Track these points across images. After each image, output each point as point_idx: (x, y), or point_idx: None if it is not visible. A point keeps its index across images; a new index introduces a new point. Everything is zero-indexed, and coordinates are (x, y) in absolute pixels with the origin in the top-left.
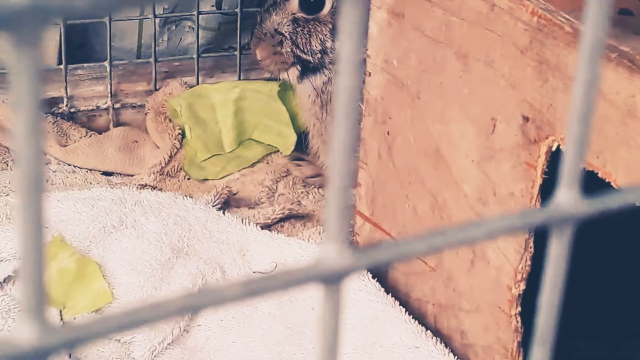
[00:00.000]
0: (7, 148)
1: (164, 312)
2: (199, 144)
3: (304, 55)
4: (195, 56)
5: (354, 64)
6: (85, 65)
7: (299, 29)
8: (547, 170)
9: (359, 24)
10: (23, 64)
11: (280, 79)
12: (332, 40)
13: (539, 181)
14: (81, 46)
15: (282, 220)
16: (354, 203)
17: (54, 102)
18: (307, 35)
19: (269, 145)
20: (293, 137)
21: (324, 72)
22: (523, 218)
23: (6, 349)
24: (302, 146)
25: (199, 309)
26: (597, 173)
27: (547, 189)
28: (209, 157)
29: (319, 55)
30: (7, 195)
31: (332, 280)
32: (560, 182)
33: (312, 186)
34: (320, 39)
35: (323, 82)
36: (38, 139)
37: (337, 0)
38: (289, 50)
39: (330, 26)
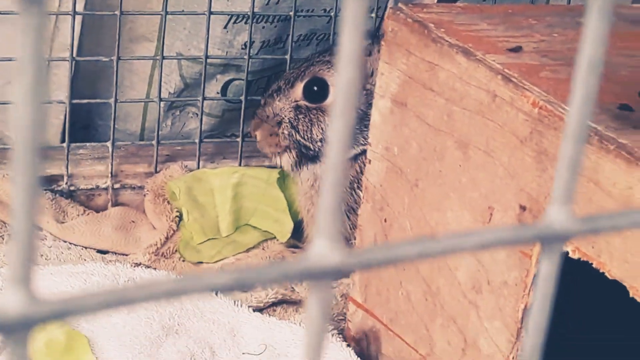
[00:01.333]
0: (3, 222)
1: (153, 292)
2: (196, 227)
3: (303, 141)
4: (197, 141)
5: (355, 56)
6: (87, 144)
7: (300, 116)
8: None
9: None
10: (26, 22)
11: (280, 166)
12: None
13: (533, 270)
14: (85, 127)
15: (275, 304)
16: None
17: (54, 179)
18: (309, 124)
19: (266, 231)
20: (290, 225)
21: (323, 160)
22: (515, 232)
23: None
24: (298, 234)
25: (188, 294)
26: (591, 263)
27: None
28: (205, 241)
29: (319, 144)
30: (1, 267)
31: (320, 276)
32: (552, 199)
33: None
34: (321, 128)
35: (319, 173)
36: (34, 214)
37: None
38: (287, 133)
39: None
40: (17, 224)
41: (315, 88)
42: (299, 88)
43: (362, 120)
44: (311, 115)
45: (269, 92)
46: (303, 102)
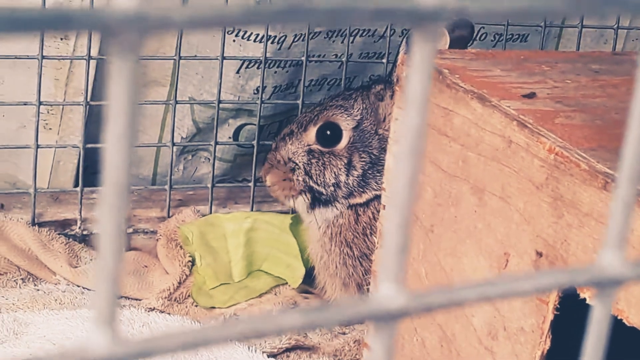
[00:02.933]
0: (17, 267)
1: (232, 333)
2: (209, 272)
3: (316, 187)
4: (209, 185)
5: (423, 100)
6: (100, 188)
7: (313, 161)
8: (558, 306)
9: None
10: (120, 68)
11: (292, 211)
12: (347, 175)
13: (550, 317)
14: (98, 171)
15: (288, 350)
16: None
17: (67, 223)
18: (322, 168)
19: (278, 277)
20: (302, 270)
21: (335, 206)
22: (569, 275)
23: (78, 357)
24: (309, 280)
25: (259, 335)
26: None
27: (558, 326)
28: (218, 286)
29: (332, 189)
30: (16, 312)
31: (385, 319)
32: (605, 244)
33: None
34: (334, 173)
35: (334, 215)
36: (119, 256)
37: (353, 136)
38: (301, 179)
39: (346, 160)
40: (103, 265)
41: (329, 132)
42: (312, 132)
43: (375, 165)
44: (324, 159)
45: (280, 135)
46: (316, 146)
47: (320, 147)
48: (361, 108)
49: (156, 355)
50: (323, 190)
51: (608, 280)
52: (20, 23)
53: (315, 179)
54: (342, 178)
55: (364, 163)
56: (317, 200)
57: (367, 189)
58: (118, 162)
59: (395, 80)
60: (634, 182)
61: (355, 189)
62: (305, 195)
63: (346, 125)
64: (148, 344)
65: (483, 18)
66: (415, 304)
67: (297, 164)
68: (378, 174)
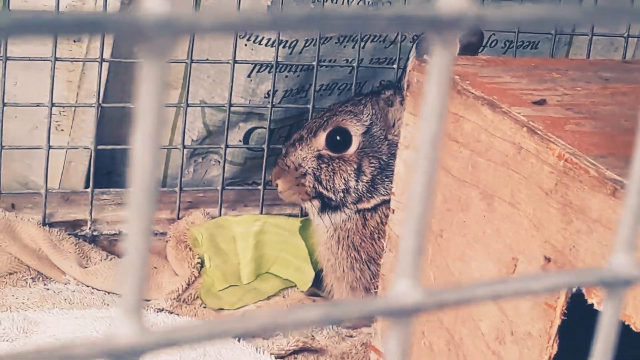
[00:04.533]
0: (28, 266)
1: (254, 325)
2: (218, 273)
3: (325, 192)
4: (219, 188)
5: (441, 109)
6: (111, 190)
7: (323, 166)
8: (566, 311)
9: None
10: (151, 72)
11: (301, 215)
12: (356, 180)
13: (557, 322)
14: (108, 172)
15: (296, 352)
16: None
17: (77, 224)
18: (331, 173)
19: (287, 279)
20: (311, 274)
21: (344, 211)
22: (579, 276)
23: (105, 346)
24: (318, 283)
25: (282, 328)
26: None
27: (565, 330)
28: (226, 288)
29: (342, 194)
30: (26, 310)
31: (401, 315)
32: (616, 246)
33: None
34: (344, 178)
35: (342, 220)
36: (146, 250)
37: (363, 141)
38: (311, 185)
39: (355, 166)
40: (131, 258)
41: (338, 138)
42: (322, 137)
43: (384, 170)
44: (334, 165)
45: (290, 141)
46: (326, 152)
47: (330, 153)
48: (371, 114)
49: (181, 345)
50: (332, 196)
51: (617, 281)
52: (54, 27)
53: (325, 185)
54: (352, 184)
55: (373, 168)
56: (327, 206)
57: (375, 194)
58: (146, 163)
59: (405, 86)
60: None
61: (364, 194)
62: (315, 201)
63: (356, 130)
64: (173, 335)
65: (502, 26)
66: (431, 300)
67: (306, 170)
68: (386, 179)
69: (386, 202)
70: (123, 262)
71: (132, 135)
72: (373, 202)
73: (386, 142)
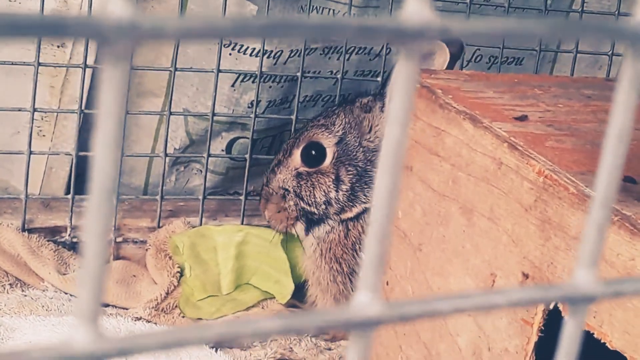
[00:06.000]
0: (6, 272)
1: (211, 334)
2: (197, 283)
3: (308, 208)
4: (201, 197)
5: (405, 117)
6: None
7: (302, 183)
8: (542, 328)
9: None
10: (112, 76)
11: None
12: (336, 190)
13: (534, 338)
14: (89, 180)
15: None
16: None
17: (57, 230)
18: (311, 188)
19: (266, 291)
20: (290, 287)
21: (327, 223)
22: (542, 292)
23: (60, 352)
24: (298, 294)
25: (237, 337)
26: (593, 333)
27: (542, 347)
28: (205, 298)
29: (324, 207)
30: (3, 317)
31: (361, 327)
32: (578, 262)
33: (305, 334)
34: (324, 190)
35: (325, 232)
36: (103, 257)
37: (337, 151)
38: (292, 204)
39: (333, 176)
40: (87, 265)
41: (313, 152)
42: (297, 155)
43: (362, 177)
44: (312, 180)
45: (270, 168)
46: (303, 168)
47: (306, 169)
48: (343, 123)
49: (137, 352)
50: (315, 210)
51: (580, 297)
52: (18, 28)
53: (307, 201)
54: (332, 194)
55: (351, 176)
56: (311, 222)
57: (356, 202)
58: (106, 168)
59: (389, 93)
60: (608, 202)
61: (346, 203)
62: (302, 220)
63: (328, 142)
64: (129, 342)
65: (466, 38)
66: (391, 313)
67: (287, 190)
68: (366, 186)
69: (368, 210)
70: (80, 268)
71: (93, 140)
72: (355, 210)
73: (361, 148)
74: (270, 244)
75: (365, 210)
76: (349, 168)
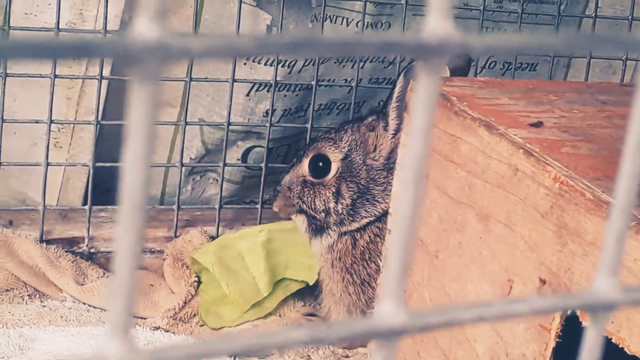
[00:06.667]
0: (24, 283)
1: (240, 345)
2: (237, 296)
3: (310, 211)
4: (217, 207)
5: (427, 131)
6: (109, 207)
7: (306, 190)
8: (560, 333)
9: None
10: (140, 95)
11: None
12: (335, 202)
13: (552, 344)
14: (107, 190)
15: None
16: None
17: (74, 241)
18: (313, 196)
19: (302, 280)
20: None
21: (329, 234)
22: (563, 300)
23: None
24: (317, 302)
25: (265, 348)
26: (611, 338)
27: (560, 353)
28: (249, 309)
29: (323, 215)
30: (22, 327)
31: (385, 336)
32: (599, 270)
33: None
34: (323, 201)
35: (331, 243)
36: (135, 268)
37: (341, 167)
38: (296, 202)
39: (334, 190)
40: (119, 277)
41: (320, 164)
42: (305, 164)
43: (364, 194)
44: (315, 189)
45: (289, 165)
46: (309, 178)
47: (312, 179)
48: (350, 140)
49: None
50: (316, 215)
51: (601, 305)
52: (44, 51)
53: (309, 205)
54: (332, 205)
55: (352, 192)
56: (313, 225)
57: (356, 217)
58: (136, 184)
59: (405, 106)
60: (628, 209)
61: (345, 217)
62: (302, 216)
63: (334, 157)
64: (162, 354)
65: (485, 53)
66: (414, 322)
67: (294, 194)
68: (367, 203)
69: (372, 223)
70: (112, 280)
71: (123, 157)
72: (355, 225)
73: (365, 166)
74: (292, 232)
75: (369, 223)
76: (350, 185)
